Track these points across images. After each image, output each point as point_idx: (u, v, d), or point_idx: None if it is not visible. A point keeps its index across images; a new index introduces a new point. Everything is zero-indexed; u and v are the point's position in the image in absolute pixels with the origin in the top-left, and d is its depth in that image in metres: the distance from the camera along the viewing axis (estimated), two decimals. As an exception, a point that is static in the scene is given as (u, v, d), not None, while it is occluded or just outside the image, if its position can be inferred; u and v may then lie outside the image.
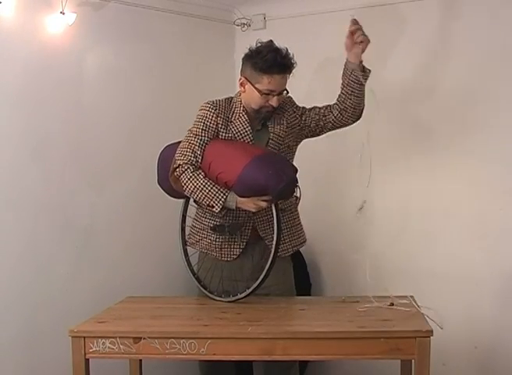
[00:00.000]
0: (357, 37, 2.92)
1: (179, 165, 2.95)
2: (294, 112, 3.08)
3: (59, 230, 3.44)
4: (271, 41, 2.94)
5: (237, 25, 4.23)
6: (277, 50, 2.89)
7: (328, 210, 4.00)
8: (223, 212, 2.98)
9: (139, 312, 2.91)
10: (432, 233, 3.71)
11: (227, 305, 2.95)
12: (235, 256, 3.05)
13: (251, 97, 2.96)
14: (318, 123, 3.07)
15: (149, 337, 2.53)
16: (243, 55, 2.99)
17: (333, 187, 4.00)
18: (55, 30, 3.32)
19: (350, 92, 2.96)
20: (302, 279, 3.80)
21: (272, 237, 2.91)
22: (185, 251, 3.13)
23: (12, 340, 3.24)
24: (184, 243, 3.14)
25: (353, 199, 3.92)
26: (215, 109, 2.98)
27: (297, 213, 3.16)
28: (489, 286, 3.56)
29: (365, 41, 2.93)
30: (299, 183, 2.92)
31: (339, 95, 3.01)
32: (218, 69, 4.10)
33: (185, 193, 2.97)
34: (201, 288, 3.07)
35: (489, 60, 3.52)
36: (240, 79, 2.99)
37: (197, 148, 2.96)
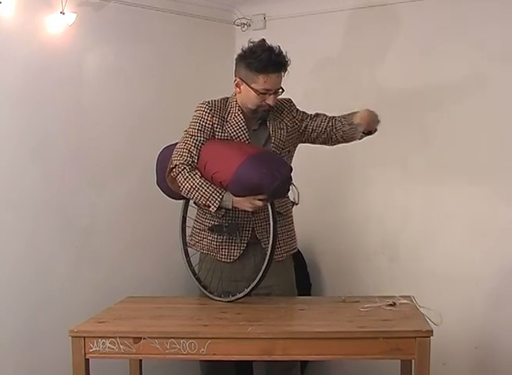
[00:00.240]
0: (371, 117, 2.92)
1: (176, 165, 2.96)
2: (294, 117, 3.07)
3: (59, 230, 3.44)
4: (263, 39, 2.93)
5: (237, 25, 4.23)
6: (271, 49, 2.88)
7: (328, 210, 4.00)
8: (222, 213, 2.98)
9: (139, 312, 2.91)
10: (432, 233, 3.71)
11: (227, 305, 2.95)
12: (235, 257, 3.05)
13: (247, 97, 2.96)
14: (320, 135, 3.07)
15: (149, 337, 2.53)
16: (236, 56, 2.98)
17: (333, 187, 4.00)
18: (55, 30, 3.32)
19: (349, 137, 3.01)
20: (302, 279, 3.79)
21: (269, 241, 2.92)
22: (186, 251, 3.13)
23: (12, 340, 3.24)
24: (185, 244, 3.14)
25: (353, 199, 3.95)
26: (211, 109, 2.99)
27: (292, 219, 3.16)
28: (489, 286, 3.56)
29: (374, 122, 2.94)
30: (296, 185, 2.92)
31: (341, 126, 3.02)
32: (218, 69, 4.10)
33: (182, 193, 2.98)
34: (202, 288, 3.07)
35: (489, 60, 3.52)
36: (235, 80, 2.98)
37: (193, 148, 2.96)
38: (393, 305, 2.80)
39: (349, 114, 2.99)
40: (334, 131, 3.03)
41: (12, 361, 3.25)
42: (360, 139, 2.97)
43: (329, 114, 3.06)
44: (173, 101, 3.92)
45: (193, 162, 2.95)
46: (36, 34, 3.29)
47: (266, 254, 2.91)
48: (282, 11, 4.09)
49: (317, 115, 3.09)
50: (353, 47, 3.89)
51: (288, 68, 2.91)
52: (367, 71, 3.85)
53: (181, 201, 3.16)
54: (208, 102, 3.01)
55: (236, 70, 2.98)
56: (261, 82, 2.89)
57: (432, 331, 2.45)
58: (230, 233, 3.01)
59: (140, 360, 3.04)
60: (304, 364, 3.69)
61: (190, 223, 3.17)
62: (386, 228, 3.84)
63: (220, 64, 4.10)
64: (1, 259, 3.20)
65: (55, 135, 3.41)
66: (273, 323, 2.66)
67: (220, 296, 3.01)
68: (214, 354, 2.54)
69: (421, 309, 2.72)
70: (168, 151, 3.08)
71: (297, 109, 3.10)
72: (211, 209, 2.90)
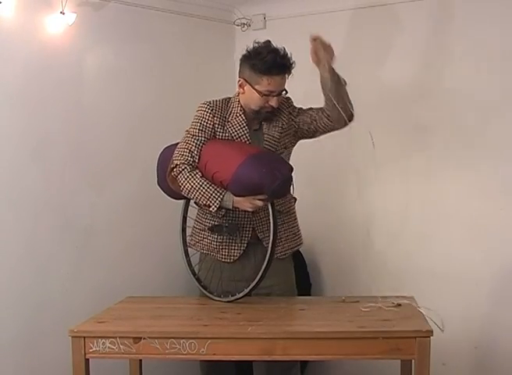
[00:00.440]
0: (319, 50, 2.83)
1: (177, 165, 2.96)
2: (290, 113, 3.07)
3: (59, 230, 3.44)
4: (268, 41, 2.93)
5: (237, 25, 4.23)
6: (276, 51, 2.88)
7: (328, 210, 4.00)
8: (222, 213, 2.99)
9: (139, 312, 2.91)
10: (431, 233, 3.71)
11: (227, 305, 2.95)
12: (235, 257, 3.05)
13: (251, 98, 2.96)
14: (310, 126, 3.06)
15: (149, 337, 2.53)
16: (240, 57, 2.98)
17: (333, 187, 4.00)
18: (55, 30, 3.32)
19: (331, 104, 2.92)
20: (302, 279, 3.79)
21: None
22: (186, 251, 3.13)
23: (12, 340, 3.24)
24: (185, 244, 3.14)
25: (353, 199, 3.95)
26: (212, 109, 2.99)
27: (295, 215, 3.16)
28: (489, 286, 3.56)
29: (329, 53, 2.84)
30: (294, 182, 2.91)
31: (325, 103, 2.97)
32: (218, 69, 4.10)
33: (182, 193, 2.98)
34: (201, 289, 3.07)
35: (489, 60, 3.52)
36: (239, 80, 2.98)
37: (194, 148, 2.96)
38: (393, 305, 2.80)
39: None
40: (320, 114, 3.01)
41: (12, 361, 3.25)
42: (336, 111, 2.89)
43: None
44: (173, 101, 3.92)
45: (194, 161, 2.95)
46: (36, 34, 3.29)
47: (267, 254, 2.91)
48: (282, 11, 4.09)
49: (310, 108, 3.08)
50: (353, 47, 3.89)
51: (292, 70, 2.92)
52: (367, 71, 3.84)
53: (181, 201, 3.17)
54: (210, 102, 3.01)
55: (240, 71, 2.98)
56: (264, 84, 2.89)
57: (431, 331, 2.45)
58: (230, 234, 3.01)
59: (140, 360, 3.04)
60: (304, 364, 3.69)
61: (190, 223, 3.17)
62: (386, 228, 3.83)
63: (220, 64, 4.11)
64: (1, 259, 3.20)
65: (55, 135, 3.41)
66: (273, 323, 2.66)
67: (220, 296, 3.01)
68: (214, 354, 2.54)
69: (422, 310, 2.72)
70: (169, 151, 3.08)
71: (294, 107, 3.10)
72: (211, 209, 2.90)
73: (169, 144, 3.14)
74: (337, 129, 3.04)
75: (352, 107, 2.95)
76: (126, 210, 3.72)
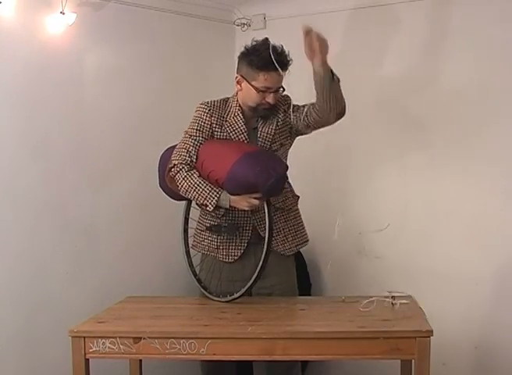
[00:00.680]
0: (314, 44, 2.70)
1: (174, 164, 2.97)
2: (286, 111, 3.05)
3: (59, 230, 3.44)
4: (266, 38, 2.94)
5: (237, 25, 4.23)
6: (273, 47, 2.88)
7: (328, 210, 4.00)
8: (222, 213, 3.00)
9: (139, 312, 2.91)
10: (431, 233, 3.71)
11: (227, 305, 2.95)
12: (236, 257, 3.05)
13: (248, 94, 2.96)
14: (303, 121, 3.02)
15: (149, 337, 2.53)
16: (239, 54, 2.99)
17: (333, 187, 4.00)
18: (55, 30, 3.32)
19: (322, 100, 2.85)
20: (302, 279, 3.79)
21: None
22: (187, 252, 3.13)
23: (12, 340, 3.24)
24: (187, 245, 3.14)
25: (352, 199, 3.95)
26: (209, 109, 3.00)
27: (299, 212, 3.17)
28: (489, 286, 3.56)
29: (324, 47, 2.72)
30: (290, 181, 2.89)
31: (316, 98, 2.90)
32: (218, 70, 4.10)
33: (180, 192, 2.99)
34: (202, 289, 3.07)
35: (488, 59, 3.52)
36: (237, 77, 2.99)
37: (191, 148, 2.97)
38: (394, 305, 2.80)
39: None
40: (311, 109, 2.95)
41: (12, 361, 3.25)
42: (329, 105, 2.83)
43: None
44: (173, 101, 3.92)
45: (191, 161, 2.96)
46: (36, 34, 3.29)
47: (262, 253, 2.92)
48: (282, 11, 4.09)
49: (304, 104, 3.02)
50: (353, 47, 3.89)
51: (289, 68, 2.91)
52: (367, 71, 3.84)
53: (181, 202, 3.16)
54: (208, 102, 3.03)
55: (237, 68, 3.00)
56: (261, 79, 2.90)
57: (432, 331, 2.45)
58: (229, 233, 3.01)
59: (140, 360, 3.04)
60: (304, 364, 3.69)
61: (193, 224, 3.17)
62: (386, 228, 3.83)
63: (220, 64, 4.10)
64: (1, 259, 3.20)
65: (55, 135, 3.41)
66: (273, 323, 2.66)
67: (219, 296, 3.01)
68: (214, 354, 2.54)
69: (422, 310, 2.72)
70: (170, 152, 3.09)
71: (292, 104, 3.06)
72: (208, 209, 2.91)
73: (170, 146, 3.15)
74: (328, 124, 2.98)
75: (344, 103, 2.90)
76: (126, 210, 3.72)
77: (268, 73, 2.88)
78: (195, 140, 2.98)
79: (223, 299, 2.99)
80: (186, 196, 3.00)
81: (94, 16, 3.53)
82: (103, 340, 2.55)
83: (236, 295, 2.95)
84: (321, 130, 3.06)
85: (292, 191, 3.15)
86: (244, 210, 2.93)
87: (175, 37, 3.97)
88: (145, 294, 3.32)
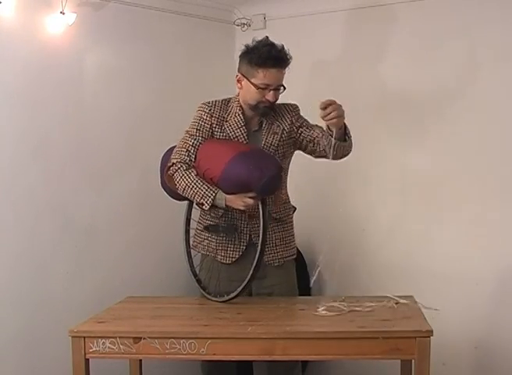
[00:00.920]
0: (330, 115, 2.66)
1: (173, 163, 2.98)
2: (293, 122, 3.05)
3: (59, 230, 3.44)
4: (266, 37, 2.96)
5: (237, 25, 4.23)
6: (272, 45, 2.91)
7: (328, 210, 4.00)
8: (220, 213, 3.01)
9: (139, 312, 2.91)
10: (431, 233, 3.71)
11: (227, 305, 2.95)
12: (234, 259, 3.05)
13: (248, 92, 2.96)
14: (310, 144, 3.04)
15: (149, 337, 2.53)
16: (240, 53, 3.00)
17: (333, 188, 4.00)
18: (55, 30, 3.32)
19: (330, 152, 2.83)
20: (302, 279, 3.79)
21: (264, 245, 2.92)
22: (188, 253, 3.13)
23: (12, 340, 3.24)
24: (188, 245, 3.14)
25: (353, 199, 3.95)
26: (210, 110, 3.01)
27: (292, 225, 3.17)
28: (489, 286, 3.56)
29: (339, 118, 2.69)
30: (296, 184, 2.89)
31: (324, 140, 2.86)
32: (218, 70, 4.10)
33: (178, 191, 2.99)
34: (201, 290, 3.07)
35: (489, 60, 3.52)
36: (237, 75, 3.00)
37: (191, 147, 2.98)
38: (394, 304, 2.80)
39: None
40: (318, 142, 2.97)
41: (12, 361, 3.25)
42: (335, 156, 2.85)
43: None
44: (173, 101, 3.91)
45: (190, 160, 2.97)
46: (36, 34, 3.29)
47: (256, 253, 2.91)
48: (282, 11, 4.09)
49: (316, 126, 3.02)
50: (353, 47, 3.90)
51: (289, 65, 2.92)
52: (367, 71, 3.85)
53: (182, 202, 3.16)
54: (208, 103, 3.03)
55: (238, 67, 3.00)
56: (260, 76, 2.90)
57: (431, 331, 2.45)
58: (227, 234, 3.02)
59: (140, 360, 3.04)
60: (304, 364, 3.69)
61: (194, 225, 3.17)
62: (386, 228, 3.83)
63: (220, 64, 4.10)
64: (1, 259, 3.20)
65: (55, 135, 3.41)
66: (273, 323, 2.66)
67: (216, 296, 3.01)
68: (214, 354, 2.54)
69: (422, 310, 2.72)
70: (171, 152, 3.10)
71: (299, 116, 3.08)
72: (204, 207, 2.92)
73: (172, 146, 3.15)
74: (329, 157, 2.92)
75: (351, 150, 2.93)
76: (126, 210, 3.72)
77: (267, 70, 2.89)
78: (195, 139, 2.99)
79: (220, 299, 2.99)
80: (183, 195, 3.00)
81: (94, 16, 3.53)
82: (103, 340, 2.55)
83: (232, 295, 2.95)
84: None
85: (289, 202, 3.14)
86: (240, 209, 2.93)
87: (175, 37, 3.97)
88: (145, 294, 3.32)
